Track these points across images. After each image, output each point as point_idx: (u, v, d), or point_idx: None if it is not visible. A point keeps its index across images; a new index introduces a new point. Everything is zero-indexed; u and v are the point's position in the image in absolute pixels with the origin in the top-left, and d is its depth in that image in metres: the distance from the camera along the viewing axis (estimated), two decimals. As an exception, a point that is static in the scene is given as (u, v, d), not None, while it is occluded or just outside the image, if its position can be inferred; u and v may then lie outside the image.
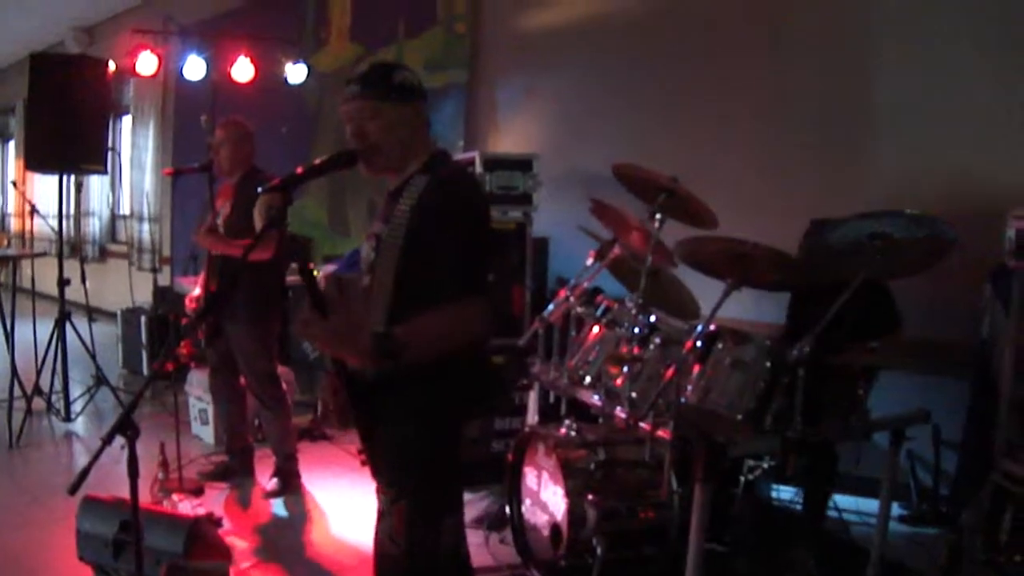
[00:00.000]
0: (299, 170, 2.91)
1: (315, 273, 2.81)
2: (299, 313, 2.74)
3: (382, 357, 2.68)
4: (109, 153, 7.85)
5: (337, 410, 3.01)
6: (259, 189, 4.89)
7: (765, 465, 4.55)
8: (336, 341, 2.74)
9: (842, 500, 4.92)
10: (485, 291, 2.89)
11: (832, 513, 4.89)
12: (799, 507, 5.11)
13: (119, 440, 2.56)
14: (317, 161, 2.95)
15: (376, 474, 3.11)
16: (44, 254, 8.30)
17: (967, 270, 4.48)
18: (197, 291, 6.04)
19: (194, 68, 7.72)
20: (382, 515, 3.10)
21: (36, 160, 7.41)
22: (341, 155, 2.98)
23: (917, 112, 5.34)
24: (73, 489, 2.64)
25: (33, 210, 8.23)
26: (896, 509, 5.17)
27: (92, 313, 8.39)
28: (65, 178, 7.76)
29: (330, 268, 7.54)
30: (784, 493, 5.26)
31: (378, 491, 3.15)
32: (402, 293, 2.87)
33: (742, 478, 4.53)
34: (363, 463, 3.11)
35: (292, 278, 6.27)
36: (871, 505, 4.47)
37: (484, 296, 2.86)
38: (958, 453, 5.04)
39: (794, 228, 5.01)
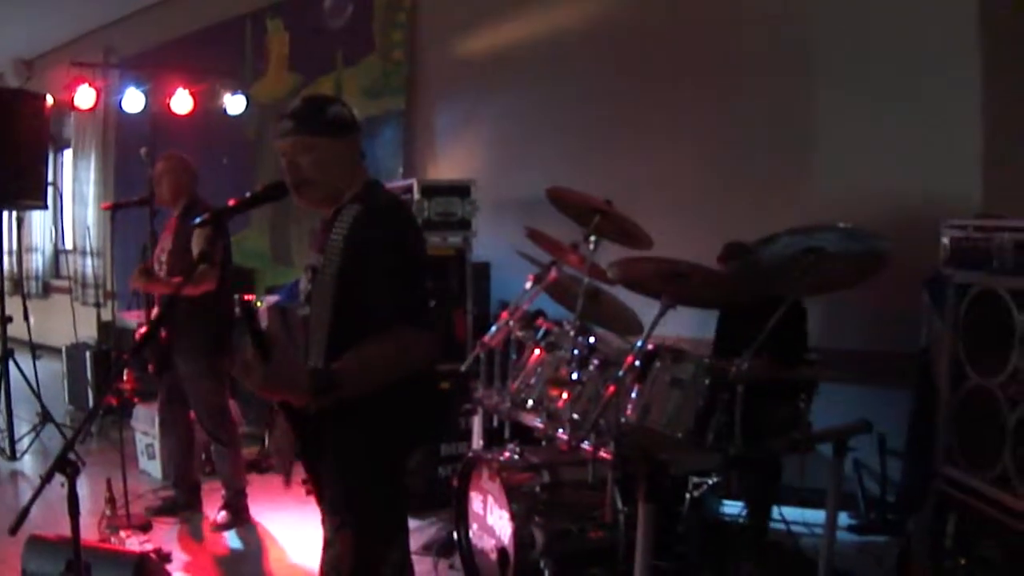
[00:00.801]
0: (231, 202, 2.94)
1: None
2: (239, 356, 2.73)
3: (321, 394, 2.68)
4: (49, 188, 7.81)
5: (283, 456, 3.02)
6: (194, 221, 4.92)
7: (710, 482, 4.58)
8: (275, 385, 2.72)
9: (789, 512, 4.95)
10: (422, 320, 2.89)
11: (779, 525, 4.92)
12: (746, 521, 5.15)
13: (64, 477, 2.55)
14: (249, 194, 2.98)
15: (321, 502, 3.12)
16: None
17: (904, 280, 4.55)
18: (144, 330, 6.00)
19: (133, 101, 7.70)
20: (328, 544, 3.08)
21: (-25, 195, 7.35)
22: (273, 187, 3.02)
23: (851, 131, 5.44)
24: (13, 530, 2.63)
25: (-27, 247, 8.16)
26: (844, 519, 5.22)
27: (36, 350, 8.30)
28: (6, 214, 7.70)
29: (273, 299, 7.52)
30: (731, 508, 5.30)
31: (323, 520, 3.15)
32: (339, 323, 2.89)
33: (688, 495, 4.56)
34: (308, 492, 3.12)
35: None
36: (819, 516, 4.51)
37: (421, 325, 2.87)
38: (902, 461, 5.10)
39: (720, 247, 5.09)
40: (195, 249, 5.48)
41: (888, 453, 5.21)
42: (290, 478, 3.06)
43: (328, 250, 2.94)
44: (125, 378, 6.36)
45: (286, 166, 3.00)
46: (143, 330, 6.03)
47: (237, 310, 5.92)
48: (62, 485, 2.53)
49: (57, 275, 14.48)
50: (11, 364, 7.43)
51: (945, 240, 4.42)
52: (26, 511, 2.58)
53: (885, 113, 5.32)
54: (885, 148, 5.32)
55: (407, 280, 2.89)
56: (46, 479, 2.54)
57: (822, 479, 4.25)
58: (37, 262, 14.40)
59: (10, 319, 7.43)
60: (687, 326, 4.35)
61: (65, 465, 2.56)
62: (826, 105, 5.57)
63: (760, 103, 5.82)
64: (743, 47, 5.89)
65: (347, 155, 3.06)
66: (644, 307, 4.47)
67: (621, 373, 3.84)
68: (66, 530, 3.91)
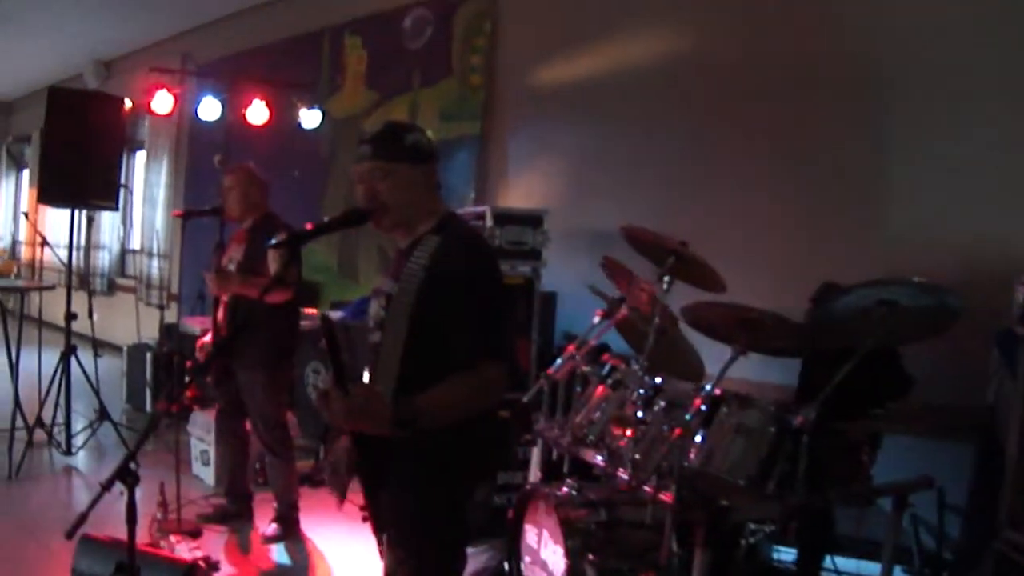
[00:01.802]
0: (308, 226, 2.95)
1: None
2: (321, 387, 2.75)
3: (401, 427, 2.67)
4: (121, 190, 7.90)
5: (339, 475, 3.01)
6: (269, 243, 4.96)
7: (767, 529, 4.53)
8: (356, 418, 2.71)
9: (843, 563, 4.88)
10: (504, 355, 2.90)
11: (832, 575, 4.86)
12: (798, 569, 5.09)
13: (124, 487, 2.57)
14: (327, 218, 2.98)
15: (379, 531, 3.10)
16: (52, 287, 8.32)
17: (974, 334, 4.45)
18: (208, 337, 6.04)
19: (209, 109, 7.76)
20: (389, 574, 3.08)
21: (49, 194, 7.45)
22: (351, 213, 3.03)
23: (930, 177, 5.35)
24: (71, 533, 2.66)
25: (44, 242, 8.25)
26: (898, 572, 5.14)
27: (98, 347, 8.39)
28: (77, 212, 7.80)
29: (337, 315, 7.56)
30: (783, 554, 5.23)
31: (384, 549, 3.14)
32: (413, 353, 2.89)
33: (743, 541, 4.51)
34: (364, 519, 3.11)
35: (306, 323, 6.27)
36: (873, 568, 4.44)
37: (503, 361, 2.87)
38: (962, 519, 5.01)
39: (803, 291, 5.02)
40: (271, 261, 5.51)
41: (946, 508, 5.12)
42: (344, 497, 3.04)
43: (404, 279, 2.94)
44: (188, 386, 6.38)
45: (363, 191, 3.02)
46: (207, 338, 6.04)
47: (323, 337, 5.96)
48: (121, 493, 2.54)
49: (123, 274, 14.66)
50: (73, 360, 7.49)
51: (1020, 296, 4.33)
52: (83, 517, 2.61)
53: (962, 162, 5.24)
54: (961, 198, 5.23)
55: (490, 315, 2.90)
56: (106, 487, 2.58)
57: (878, 530, 4.19)
58: (104, 260, 14.56)
59: (75, 316, 7.50)
60: (751, 370, 4.28)
61: (126, 475, 2.57)
62: (901, 152, 5.49)
63: (834, 147, 5.75)
64: (819, 90, 5.82)
65: (424, 183, 3.07)
66: (709, 346, 4.45)
67: (688, 416, 3.81)
68: (115, 530, 3.97)
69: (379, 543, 3.13)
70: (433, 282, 2.88)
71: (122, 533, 2.76)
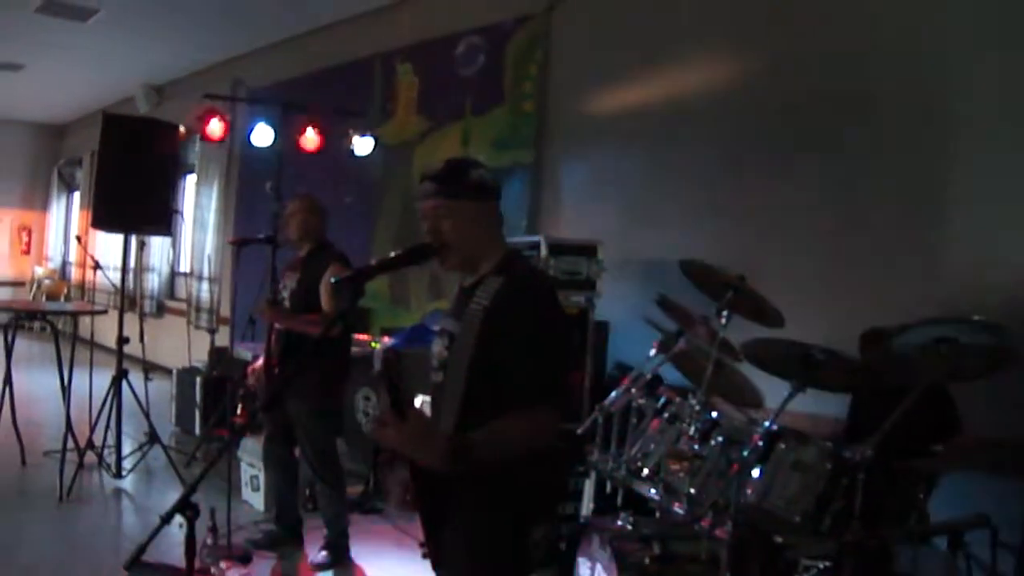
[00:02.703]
0: (373, 262, 2.96)
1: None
2: (378, 416, 2.73)
3: (455, 463, 2.65)
4: (174, 216, 7.96)
5: (403, 499, 3.02)
6: (332, 280, 5.01)
7: (820, 566, 4.48)
8: (411, 446, 2.70)
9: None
10: (559, 401, 2.89)
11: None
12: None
13: (176, 486, 2.58)
14: (392, 255, 2.98)
15: (439, 567, 3.08)
16: (104, 311, 8.39)
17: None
18: (259, 363, 6.06)
19: (262, 135, 7.81)
20: None
21: (103, 220, 7.52)
22: (416, 249, 3.01)
23: (989, 212, 5.29)
24: (130, 564, 2.67)
25: (96, 265, 8.33)
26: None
27: (148, 371, 8.45)
28: (130, 237, 7.86)
29: (389, 342, 7.57)
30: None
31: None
32: (473, 395, 2.87)
33: (795, 577, 4.48)
34: (424, 556, 3.09)
35: (356, 350, 6.28)
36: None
37: (558, 407, 2.86)
38: (1016, 557, 4.94)
39: (858, 325, 4.98)
40: (324, 292, 5.54)
41: (1000, 546, 5.04)
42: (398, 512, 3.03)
43: (467, 319, 2.93)
44: (239, 412, 6.40)
45: (427, 228, 3.01)
46: (258, 363, 6.06)
47: (377, 363, 5.96)
48: (180, 527, 2.54)
49: (172, 296, 14.80)
50: (124, 384, 7.53)
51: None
52: (143, 548, 2.62)
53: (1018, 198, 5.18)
54: (1017, 234, 5.17)
55: (549, 359, 2.87)
56: (166, 520, 2.60)
57: (932, 568, 4.13)
58: (153, 282, 14.71)
59: (127, 340, 7.55)
60: (805, 403, 4.26)
61: (186, 507, 2.57)
62: (960, 184, 5.42)
63: (891, 182, 5.69)
64: (877, 122, 5.77)
65: (488, 219, 3.07)
66: (764, 379, 4.42)
67: (746, 453, 3.80)
68: (166, 551, 4.00)
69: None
70: (493, 324, 2.87)
71: (171, 558, 2.78)
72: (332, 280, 5.37)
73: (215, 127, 7.88)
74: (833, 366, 3.90)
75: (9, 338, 7.27)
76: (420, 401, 7.06)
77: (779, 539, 3.89)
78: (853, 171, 5.85)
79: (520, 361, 2.81)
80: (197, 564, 5.34)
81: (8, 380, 7.34)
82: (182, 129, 7.89)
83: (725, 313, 4.39)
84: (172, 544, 2.75)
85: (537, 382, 2.82)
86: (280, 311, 5.76)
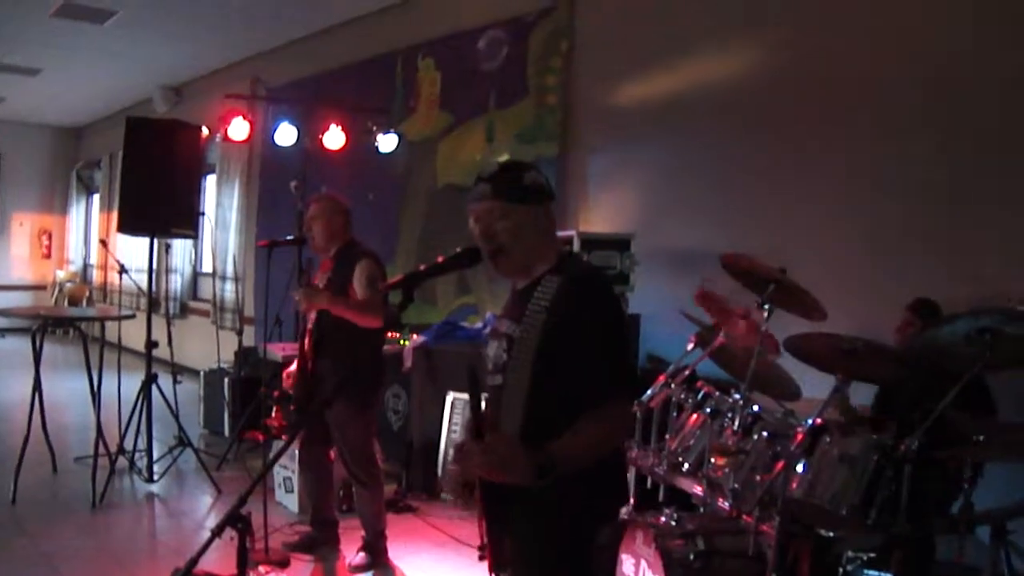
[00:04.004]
0: (422, 267, 2.94)
1: (481, 380, 2.77)
2: (459, 443, 2.71)
3: (544, 479, 2.63)
4: (199, 217, 7.95)
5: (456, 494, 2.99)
6: (379, 287, 4.99)
7: (865, 557, 4.45)
8: (495, 467, 2.67)
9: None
10: (631, 391, 2.86)
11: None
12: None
13: (208, 489, 2.57)
14: (440, 259, 2.97)
15: (497, 569, 3.03)
16: (132, 316, 8.36)
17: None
18: (294, 366, 6.00)
19: (286, 134, 7.78)
20: None
21: (129, 223, 7.50)
22: (465, 253, 2.99)
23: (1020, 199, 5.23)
24: (178, 579, 2.66)
25: (123, 270, 8.31)
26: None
27: (176, 374, 8.44)
28: (156, 240, 7.84)
29: (418, 339, 7.54)
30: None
31: None
32: (538, 396, 2.84)
33: (841, 569, 4.43)
34: (480, 558, 3.05)
35: (388, 347, 6.25)
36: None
37: (630, 397, 2.83)
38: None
39: (898, 318, 4.94)
40: (358, 285, 5.53)
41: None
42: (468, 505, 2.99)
43: (527, 321, 2.89)
44: (273, 414, 6.36)
45: (480, 231, 2.98)
46: (292, 367, 6.02)
47: (408, 361, 5.93)
48: (232, 539, 2.51)
49: (195, 297, 14.86)
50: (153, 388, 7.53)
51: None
52: (194, 562, 2.60)
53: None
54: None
55: (619, 353, 2.87)
56: (216, 532, 2.60)
57: (978, 558, 4.09)
58: (176, 283, 14.77)
59: (156, 344, 7.54)
60: (824, 393, 4.24)
61: (237, 520, 2.54)
62: (987, 178, 5.36)
63: (922, 169, 5.62)
64: (906, 109, 5.69)
65: (542, 222, 3.03)
66: (803, 371, 4.38)
67: (793, 447, 3.77)
68: (205, 562, 3.98)
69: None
70: (557, 324, 2.83)
71: (207, 563, 2.77)
72: (380, 287, 5.34)
73: (238, 127, 7.89)
74: (876, 359, 3.87)
75: (38, 344, 7.24)
76: (451, 399, 7.07)
77: (826, 533, 3.85)
78: (889, 155, 5.78)
79: (592, 359, 2.79)
80: (236, 570, 5.36)
81: (37, 386, 7.32)
82: (204, 129, 7.84)
83: (767, 307, 4.35)
84: (210, 548, 2.72)
85: (610, 378, 2.80)
86: (318, 291, 5.64)
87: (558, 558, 2.94)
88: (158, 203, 7.31)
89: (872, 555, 4.45)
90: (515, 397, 2.88)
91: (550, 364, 2.83)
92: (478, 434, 2.65)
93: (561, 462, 2.64)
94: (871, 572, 5.01)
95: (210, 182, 13.94)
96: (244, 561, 2.65)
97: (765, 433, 4.16)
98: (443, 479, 7.14)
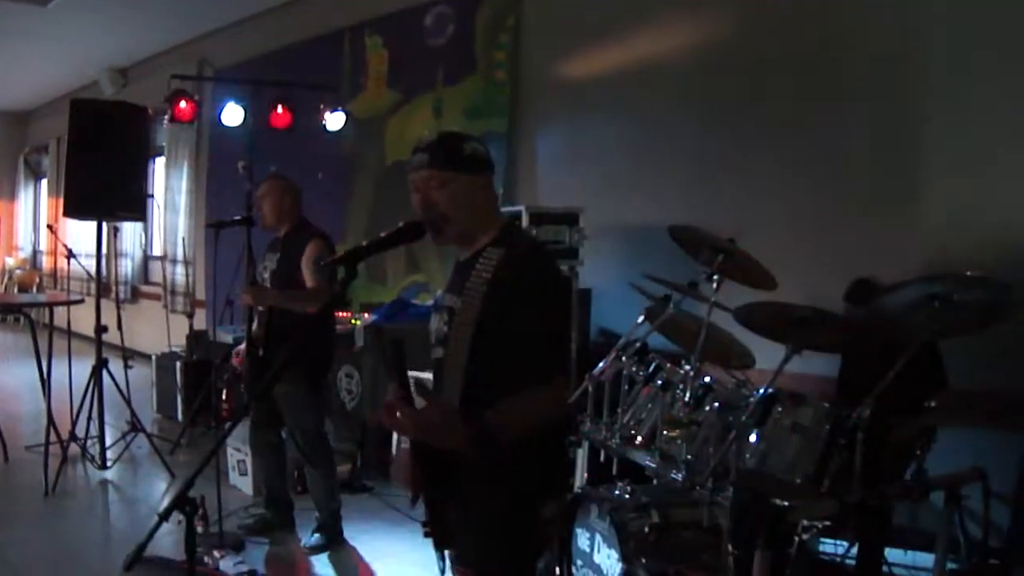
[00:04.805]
0: (365, 243, 2.91)
1: (405, 349, 2.76)
2: (383, 397, 2.70)
3: (480, 448, 2.62)
4: (147, 200, 7.87)
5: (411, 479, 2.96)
6: (322, 263, 4.97)
7: (819, 525, 4.47)
8: (430, 434, 2.68)
9: (893, 554, 4.82)
10: (568, 369, 2.86)
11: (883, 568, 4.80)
12: (850, 562, 5.03)
13: (162, 474, 2.54)
14: (383, 234, 2.93)
15: (442, 547, 3.02)
16: (80, 301, 8.27)
17: (1020, 322, 4.40)
18: (242, 346, 5.98)
19: (232, 114, 7.71)
20: None
21: (76, 208, 7.40)
22: (408, 227, 2.95)
23: (968, 164, 5.25)
24: (129, 565, 2.63)
25: (70, 254, 8.23)
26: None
27: (128, 358, 8.37)
28: (104, 224, 7.75)
29: (369, 317, 7.51)
30: (829, 547, 5.17)
31: (453, 567, 3.06)
32: (477, 368, 2.82)
33: (796, 539, 4.46)
34: (426, 535, 3.04)
35: (337, 327, 6.23)
36: (925, 559, 4.38)
37: (569, 373, 2.82)
38: (1012, 508, 4.95)
39: (842, 285, 4.96)
40: (306, 268, 5.50)
41: (993, 497, 5.05)
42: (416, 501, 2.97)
43: (468, 293, 2.87)
44: (224, 398, 6.33)
45: (419, 201, 2.96)
46: (242, 347, 5.99)
47: (360, 340, 5.90)
48: (179, 522, 2.48)
49: (146, 281, 14.74)
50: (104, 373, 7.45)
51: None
52: (142, 548, 2.58)
53: (1002, 146, 5.14)
54: (1002, 185, 5.13)
55: (559, 329, 2.88)
56: (164, 517, 2.54)
57: (927, 521, 4.14)
58: (127, 267, 14.64)
59: (105, 329, 7.47)
60: (794, 363, 4.24)
61: (185, 503, 2.51)
62: (937, 140, 5.38)
63: (872, 138, 5.64)
64: (855, 79, 5.70)
65: (483, 192, 3.01)
66: (754, 341, 4.40)
67: (744, 418, 3.78)
68: (158, 547, 3.95)
69: (441, 559, 3.05)
70: (499, 296, 2.81)
71: (161, 548, 2.74)
72: (322, 263, 5.32)
73: (184, 108, 7.78)
74: (826, 327, 3.87)
75: (-15, 332, 7.18)
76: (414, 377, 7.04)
77: (780, 502, 3.87)
78: (832, 130, 5.80)
79: (531, 333, 2.77)
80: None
81: (-13, 374, 7.26)
82: (150, 110, 7.75)
83: (716, 277, 4.36)
84: (161, 533, 2.69)
85: (550, 353, 2.81)
86: (265, 291, 5.68)
87: (502, 531, 2.94)
88: (105, 186, 7.18)
89: (828, 523, 4.50)
90: (454, 369, 2.85)
91: (489, 337, 2.80)
92: (406, 397, 2.65)
93: (497, 430, 2.63)
94: (827, 540, 5.10)
95: (159, 164, 13.83)
96: (193, 544, 2.61)
97: (716, 404, 4.15)
98: (393, 469, 7.16)
